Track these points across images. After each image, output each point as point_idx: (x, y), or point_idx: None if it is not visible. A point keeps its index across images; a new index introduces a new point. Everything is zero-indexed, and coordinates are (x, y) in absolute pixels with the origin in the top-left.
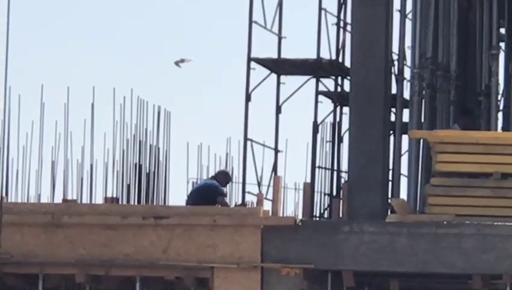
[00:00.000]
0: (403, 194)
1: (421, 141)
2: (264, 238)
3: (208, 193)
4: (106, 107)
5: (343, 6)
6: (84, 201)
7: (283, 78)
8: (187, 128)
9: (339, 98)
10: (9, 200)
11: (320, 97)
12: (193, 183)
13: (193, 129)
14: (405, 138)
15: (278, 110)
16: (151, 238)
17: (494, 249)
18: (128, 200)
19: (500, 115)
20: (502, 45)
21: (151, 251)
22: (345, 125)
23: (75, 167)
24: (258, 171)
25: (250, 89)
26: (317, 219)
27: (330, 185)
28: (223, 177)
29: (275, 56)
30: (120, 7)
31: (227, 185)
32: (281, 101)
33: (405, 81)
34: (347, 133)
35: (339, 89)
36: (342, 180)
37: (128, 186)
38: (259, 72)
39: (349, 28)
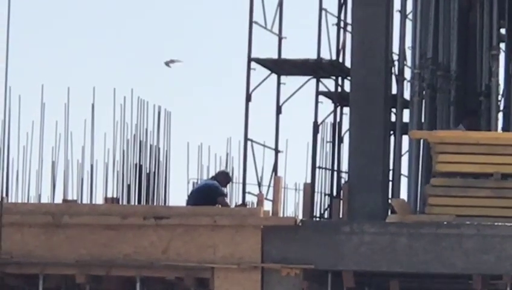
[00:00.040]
0: (403, 195)
1: (421, 141)
2: (264, 238)
3: (209, 193)
4: (106, 108)
5: (344, 6)
6: (84, 201)
7: (283, 78)
8: (187, 128)
9: (339, 99)
10: (9, 201)
11: (321, 97)
12: (193, 184)
13: (193, 129)
14: (405, 138)
15: (278, 110)
16: (151, 239)
17: (494, 250)
18: (128, 201)
19: (500, 115)
20: (502, 45)
21: (152, 251)
22: (345, 125)
23: (75, 167)
24: (258, 172)
25: (251, 89)
26: (318, 219)
27: (330, 186)
28: (224, 177)
29: (275, 56)
30: (120, 7)
31: (228, 186)
32: (281, 102)
33: (405, 82)
34: (347, 133)
35: (339, 89)
36: (342, 181)
37: (129, 186)
38: (259, 72)
39: (349, 28)
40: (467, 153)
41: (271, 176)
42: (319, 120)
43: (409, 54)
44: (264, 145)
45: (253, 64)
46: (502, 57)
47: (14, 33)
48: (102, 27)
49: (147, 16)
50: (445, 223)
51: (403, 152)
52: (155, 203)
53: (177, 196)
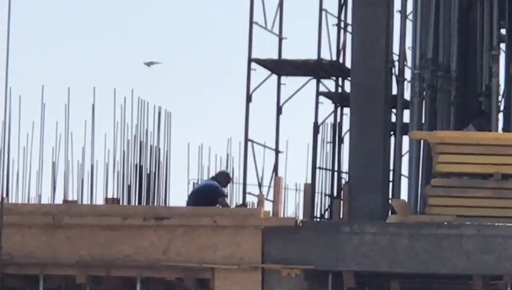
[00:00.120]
0: (404, 195)
1: (422, 141)
2: (264, 239)
3: (209, 194)
4: (107, 108)
5: (344, 7)
6: (84, 202)
7: (284, 78)
8: (188, 129)
9: (339, 99)
10: (9, 201)
11: (321, 98)
12: (194, 184)
13: (194, 130)
14: (405, 139)
15: (279, 111)
16: (151, 239)
17: (495, 250)
18: (128, 201)
19: (500, 115)
20: (503, 45)
21: (152, 252)
22: (346, 126)
23: (75, 167)
24: (258, 172)
25: (251, 89)
26: (318, 219)
27: (331, 186)
28: (224, 177)
29: (276, 57)
30: (120, 8)
31: (228, 186)
32: (281, 102)
33: (405, 82)
34: (348, 133)
35: (340, 89)
36: (343, 181)
37: (129, 187)
38: (260, 72)
39: (349, 28)
40: (467, 153)
41: (271, 177)
42: (320, 120)
43: (409, 54)
44: (264, 146)
45: (253, 65)
46: (502, 58)
47: (14, 33)
48: (102, 27)
49: (147, 16)
50: (445, 223)
51: (403, 152)
52: (155, 204)
53: (178, 196)
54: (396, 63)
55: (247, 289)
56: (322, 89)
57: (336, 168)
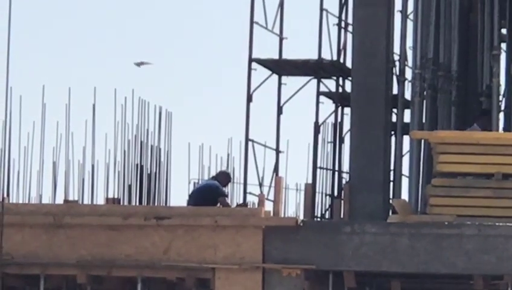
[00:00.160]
0: (404, 195)
1: (422, 141)
2: (265, 238)
3: (209, 193)
4: (107, 108)
5: (344, 6)
6: (85, 202)
7: (284, 78)
8: (188, 128)
9: (340, 99)
10: (10, 201)
11: (322, 98)
12: (194, 184)
13: (194, 130)
14: (406, 139)
15: (279, 110)
16: (152, 239)
17: (495, 250)
18: (129, 201)
19: (501, 115)
20: (503, 45)
21: (153, 252)
22: (346, 125)
23: (76, 167)
24: (259, 172)
25: (252, 89)
26: (319, 219)
27: (331, 186)
28: (224, 177)
29: (276, 57)
30: (121, 8)
31: (229, 186)
32: (282, 102)
33: (406, 82)
34: (348, 133)
35: (340, 89)
36: (343, 181)
37: (130, 186)
38: (260, 72)
39: (350, 28)
40: (468, 153)
41: (272, 177)
42: (320, 120)
43: (409, 54)
44: (265, 146)
45: (254, 65)
46: (503, 57)
47: (15, 34)
48: (102, 27)
49: (147, 16)
50: (446, 223)
51: (403, 152)
52: (156, 204)
53: (178, 196)
54: (397, 63)
55: (248, 289)
56: (322, 88)
57: (336, 168)
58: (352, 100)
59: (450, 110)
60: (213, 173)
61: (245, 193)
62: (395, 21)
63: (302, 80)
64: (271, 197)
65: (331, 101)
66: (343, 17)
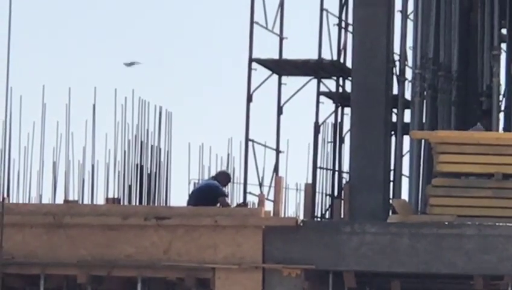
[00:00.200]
0: (404, 195)
1: (423, 141)
2: (265, 238)
3: (209, 193)
4: (107, 108)
5: (345, 6)
6: (85, 202)
7: (284, 78)
8: (188, 128)
9: (340, 99)
10: (10, 201)
11: (322, 98)
12: (194, 184)
13: (194, 130)
14: (406, 139)
15: (280, 110)
16: (152, 239)
17: (496, 250)
18: (129, 201)
19: (501, 115)
20: (504, 45)
21: (153, 252)
22: (346, 125)
23: (76, 167)
24: (259, 172)
25: (252, 89)
26: (319, 219)
27: (331, 186)
28: (224, 177)
29: (276, 57)
30: (121, 8)
31: (229, 186)
32: (282, 102)
33: (406, 82)
34: (348, 133)
35: (340, 89)
36: (343, 181)
37: (130, 187)
38: (260, 72)
39: (350, 28)
40: (468, 153)
41: (272, 177)
42: (320, 120)
43: (410, 54)
44: (265, 146)
45: (254, 65)
46: (503, 57)
47: (15, 34)
48: (103, 27)
49: (148, 16)
50: (446, 223)
51: (404, 152)
52: (156, 204)
53: (178, 196)
54: (397, 63)
55: (248, 289)
56: (322, 88)
57: (336, 168)
58: (352, 100)
59: (450, 110)
60: (213, 173)
61: (245, 193)
62: (395, 21)
63: (302, 80)
64: (271, 197)
65: (331, 101)
66: (343, 17)
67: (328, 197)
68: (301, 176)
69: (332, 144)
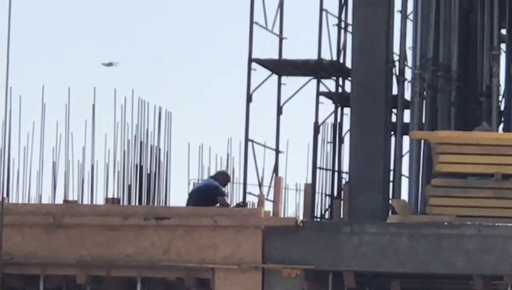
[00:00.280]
0: (404, 195)
1: (422, 141)
2: (265, 239)
3: (209, 193)
4: (107, 108)
5: (344, 7)
6: (85, 202)
7: (284, 78)
8: (188, 129)
9: (339, 99)
10: (10, 201)
11: (321, 98)
12: (194, 184)
13: (194, 130)
14: (406, 139)
15: (279, 111)
16: (152, 239)
17: (495, 250)
18: (129, 201)
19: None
20: (503, 45)
21: (152, 252)
22: (346, 126)
23: (76, 167)
24: (259, 172)
25: (251, 89)
26: (318, 219)
27: (331, 186)
28: (223, 177)
29: (276, 57)
30: (121, 8)
31: (228, 186)
32: (282, 102)
33: (406, 82)
34: (348, 133)
35: (340, 89)
36: (343, 181)
37: (129, 187)
38: (260, 72)
39: (350, 28)
40: (467, 153)
41: (272, 177)
42: (320, 121)
43: (409, 54)
44: (264, 146)
45: (253, 65)
46: (502, 58)
47: (14, 33)
48: (102, 27)
49: (148, 17)
50: (446, 223)
51: (403, 152)
52: (156, 204)
53: (178, 196)
54: (397, 63)
55: (248, 289)
56: (322, 89)
57: (336, 168)
58: (352, 100)
59: (450, 111)
60: (212, 173)
61: (245, 193)
62: (395, 21)
63: (302, 80)
64: (271, 197)
65: (330, 101)
66: (343, 17)
67: (327, 197)
68: (301, 176)
69: (332, 144)
